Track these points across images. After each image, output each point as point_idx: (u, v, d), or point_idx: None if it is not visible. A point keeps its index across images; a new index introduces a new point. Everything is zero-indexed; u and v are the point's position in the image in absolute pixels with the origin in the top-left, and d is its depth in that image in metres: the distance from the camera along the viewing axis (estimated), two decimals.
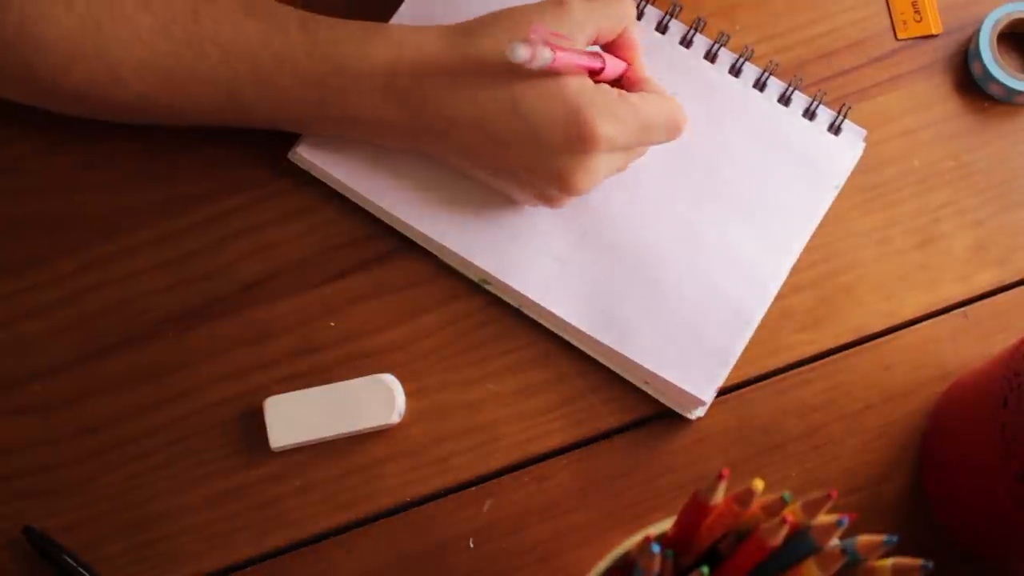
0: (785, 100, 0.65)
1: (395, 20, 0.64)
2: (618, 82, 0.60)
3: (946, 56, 0.67)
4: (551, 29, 0.55)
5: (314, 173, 0.63)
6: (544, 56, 0.52)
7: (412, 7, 0.64)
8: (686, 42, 0.65)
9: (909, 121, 0.66)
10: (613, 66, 0.59)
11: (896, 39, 0.66)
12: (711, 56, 0.65)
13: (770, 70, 0.65)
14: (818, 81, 0.66)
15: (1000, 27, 0.65)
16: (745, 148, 0.64)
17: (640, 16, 0.65)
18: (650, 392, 0.61)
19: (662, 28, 0.65)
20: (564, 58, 0.54)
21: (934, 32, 0.66)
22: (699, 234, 0.63)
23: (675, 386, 0.60)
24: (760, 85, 0.65)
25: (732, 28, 0.66)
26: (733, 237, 0.63)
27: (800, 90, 0.65)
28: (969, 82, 0.66)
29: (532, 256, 0.62)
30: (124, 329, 0.62)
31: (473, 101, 0.56)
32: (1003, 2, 0.66)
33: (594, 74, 0.57)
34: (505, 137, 0.57)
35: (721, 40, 0.65)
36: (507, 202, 0.62)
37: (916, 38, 0.67)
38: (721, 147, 0.64)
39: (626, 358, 0.61)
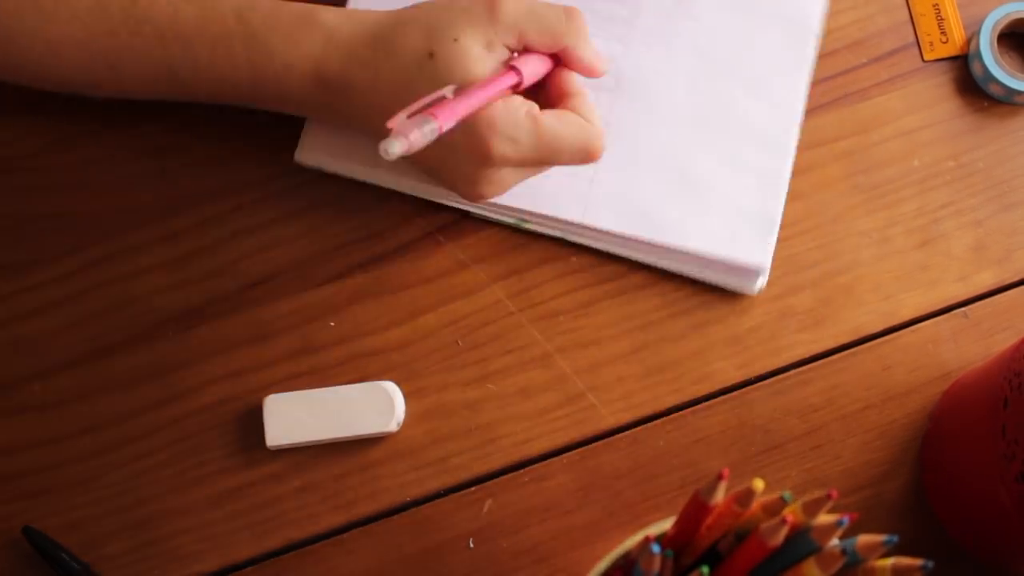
0: None
1: None
2: (544, 87, 0.59)
3: (946, 56, 0.66)
4: (421, 100, 0.53)
5: (324, 168, 0.63)
6: (427, 132, 0.51)
7: None
8: None
9: (909, 121, 0.66)
10: (535, 72, 0.58)
11: (923, 60, 0.66)
12: None
13: None
14: (818, 80, 0.66)
15: (1000, 27, 0.65)
16: (719, 22, 0.65)
17: None
18: (710, 280, 0.62)
19: None
20: (456, 109, 0.52)
21: (960, 53, 0.66)
22: (705, 115, 0.64)
23: (732, 262, 0.62)
24: None
25: None
26: (737, 107, 0.64)
27: None
28: (969, 82, 0.66)
29: (561, 183, 0.62)
30: (124, 329, 0.62)
31: (392, 96, 0.56)
32: (1003, 2, 0.66)
33: (514, 89, 0.57)
34: None
35: None
36: None
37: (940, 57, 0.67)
38: (698, 27, 0.65)
39: (679, 251, 0.62)
